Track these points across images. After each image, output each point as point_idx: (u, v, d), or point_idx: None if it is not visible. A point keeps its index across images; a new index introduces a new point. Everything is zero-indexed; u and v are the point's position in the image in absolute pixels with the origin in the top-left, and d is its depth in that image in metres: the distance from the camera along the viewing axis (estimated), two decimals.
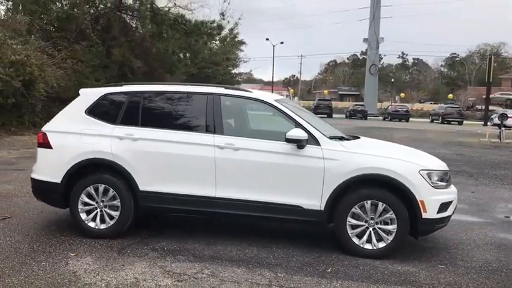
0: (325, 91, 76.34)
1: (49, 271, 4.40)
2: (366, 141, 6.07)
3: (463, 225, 6.59)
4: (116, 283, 4.18)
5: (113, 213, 5.36)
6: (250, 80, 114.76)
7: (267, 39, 64.23)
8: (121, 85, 5.85)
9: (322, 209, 5.03)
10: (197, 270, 4.54)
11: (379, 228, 5.00)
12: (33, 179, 5.65)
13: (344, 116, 49.30)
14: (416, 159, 5.24)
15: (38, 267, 4.50)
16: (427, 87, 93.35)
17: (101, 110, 5.57)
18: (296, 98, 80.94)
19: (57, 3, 23.51)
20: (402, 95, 74.24)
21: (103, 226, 5.37)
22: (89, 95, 5.70)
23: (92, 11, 25.06)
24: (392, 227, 4.96)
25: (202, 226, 5.96)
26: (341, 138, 5.48)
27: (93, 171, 5.41)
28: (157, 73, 26.31)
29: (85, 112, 5.57)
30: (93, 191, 5.38)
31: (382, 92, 77.98)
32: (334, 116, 47.46)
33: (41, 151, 5.58)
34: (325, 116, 47.84)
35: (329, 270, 4.65)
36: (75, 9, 23.02)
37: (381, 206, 4.95)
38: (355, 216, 5.02)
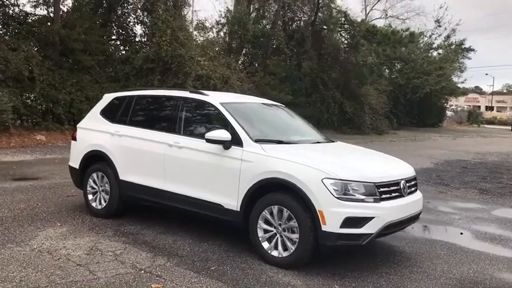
0: None
1: (22, 233, 5.60)
2: (325, 146, 5.74)
3: (473, 256, 5.46)
4: (44, 248, 5.10)
5: (106, 196, 6.40)
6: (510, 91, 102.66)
7: None
8: (128, 91, 6.89)
9: (239, 209, 5.04)
10: (113, 249, 5.15)
11: (285, 236, 4.74)
12: (69, 165, 7.12)
13: None
14: (333, 167, 4.66)
15: (22, 230, 5.74)
16: None
17: (108, 111, 6.69)
18: None
19: (260, 23, 26.20)
20: None
21: (99, 207, 6.45)
22: (106, 99, 6.88)
23: (292, 27, 27.08)
24: (295, 236, 4.65)
25: (184, 219, 6.43)
26: (279, 142, 5.33)
27: (96, 160, 6.55)
28: (351, 84, 26.67)
29: (99, 113, 6.77)
30: (95, 177, 6.52)
31: None
32: None
33: (72, 143, 7.01)
34: None
35: (213, 268, 4.70)
36: (275, 29, 25.26)
37: (285, 213, 4.71)
38: (266, 220, 4.88)
